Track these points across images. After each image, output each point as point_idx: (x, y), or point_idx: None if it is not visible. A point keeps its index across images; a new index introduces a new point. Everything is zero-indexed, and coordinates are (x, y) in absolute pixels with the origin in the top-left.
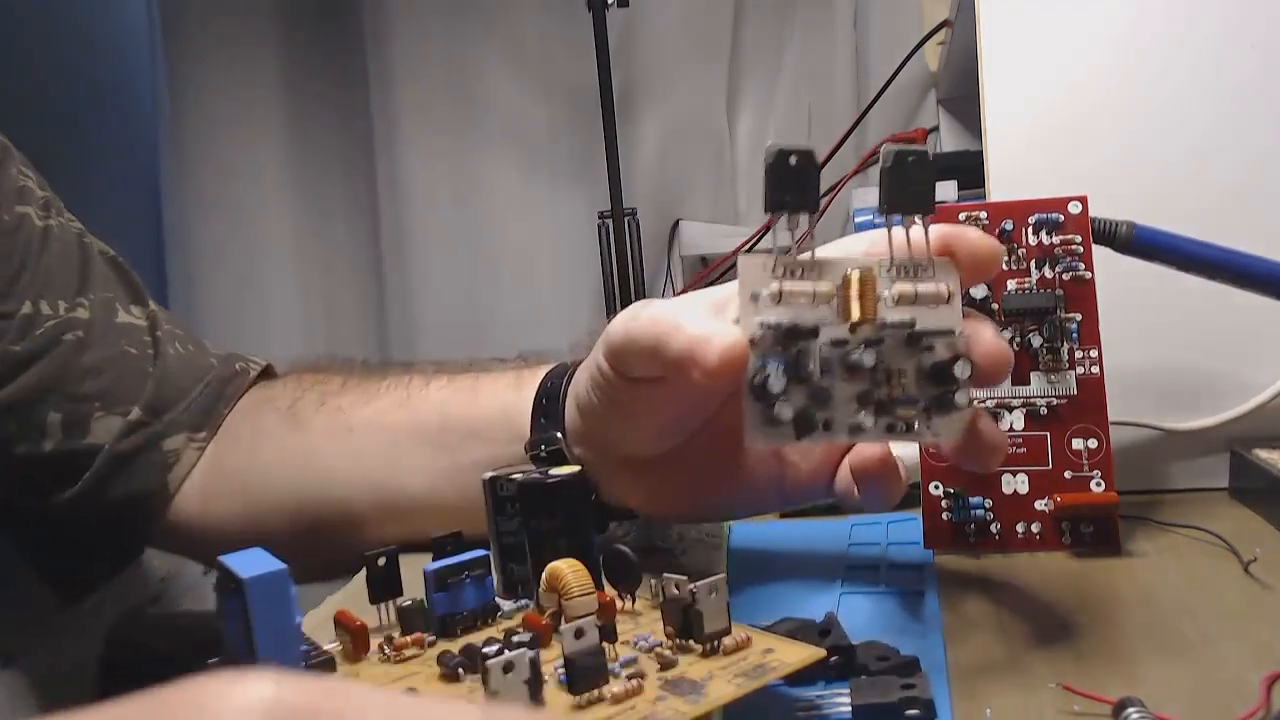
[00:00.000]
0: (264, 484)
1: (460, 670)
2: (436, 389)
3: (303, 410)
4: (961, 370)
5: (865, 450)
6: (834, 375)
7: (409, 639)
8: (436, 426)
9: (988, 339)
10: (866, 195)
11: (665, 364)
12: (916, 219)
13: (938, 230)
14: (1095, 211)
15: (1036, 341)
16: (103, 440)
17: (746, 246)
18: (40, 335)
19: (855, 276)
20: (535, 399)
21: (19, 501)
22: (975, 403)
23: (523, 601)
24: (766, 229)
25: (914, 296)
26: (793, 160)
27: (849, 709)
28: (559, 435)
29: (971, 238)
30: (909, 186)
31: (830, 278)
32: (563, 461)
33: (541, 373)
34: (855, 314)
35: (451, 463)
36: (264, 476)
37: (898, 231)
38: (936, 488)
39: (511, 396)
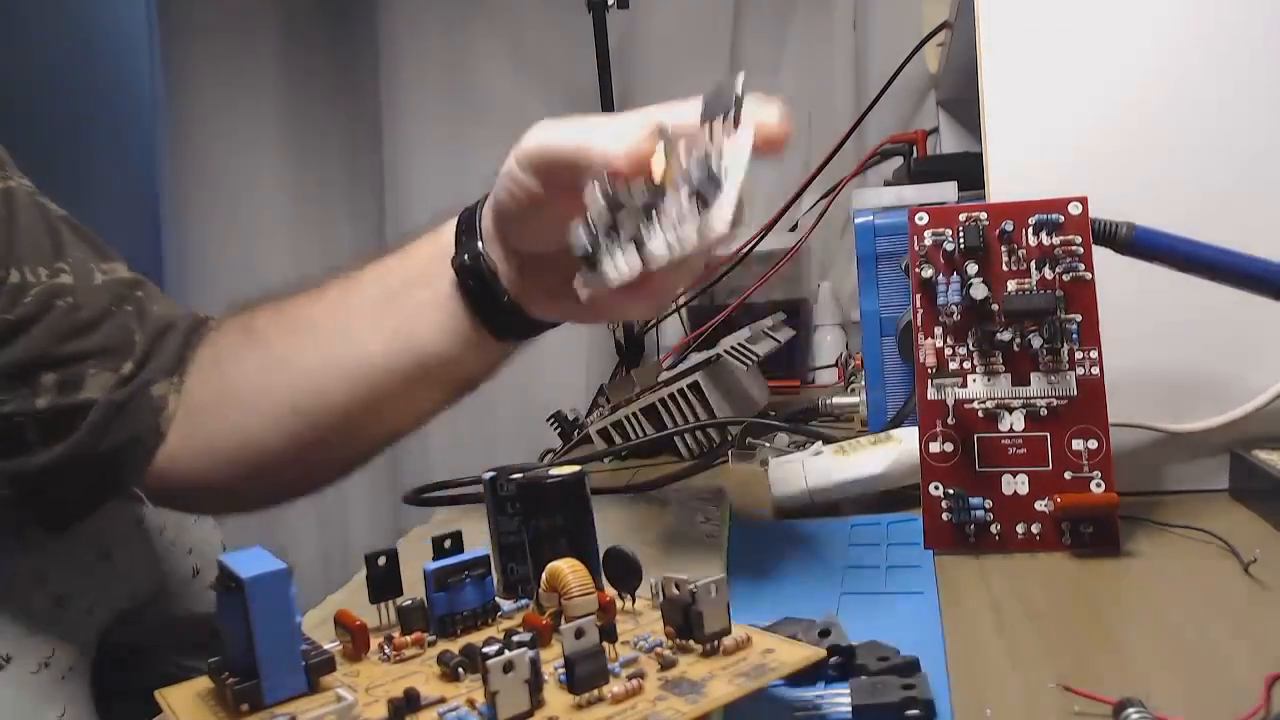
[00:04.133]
0: (244, 404)
1: (460, 670)
2: (373, 266)
3: (260, 327)
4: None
5: None
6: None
7: (409, 638)
8: (380, 291)
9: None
10: (865, 196)
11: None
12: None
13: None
14: (1095, 212)
15: (1036, 342)
16: (96, 394)
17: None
18: (30, 302)
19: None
20: (456, 224)
21: (3, 458)
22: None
23: (523, 601)
24: (768, 229)
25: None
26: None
27: (849, 709)
28: (478, 245)
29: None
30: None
31: None
32: (481, 270)
33: (456, 212)
34: (658, 175)
35: (401, 317)
36: (241, 397)
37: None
38: (936, 488)
39: (437, 238)
